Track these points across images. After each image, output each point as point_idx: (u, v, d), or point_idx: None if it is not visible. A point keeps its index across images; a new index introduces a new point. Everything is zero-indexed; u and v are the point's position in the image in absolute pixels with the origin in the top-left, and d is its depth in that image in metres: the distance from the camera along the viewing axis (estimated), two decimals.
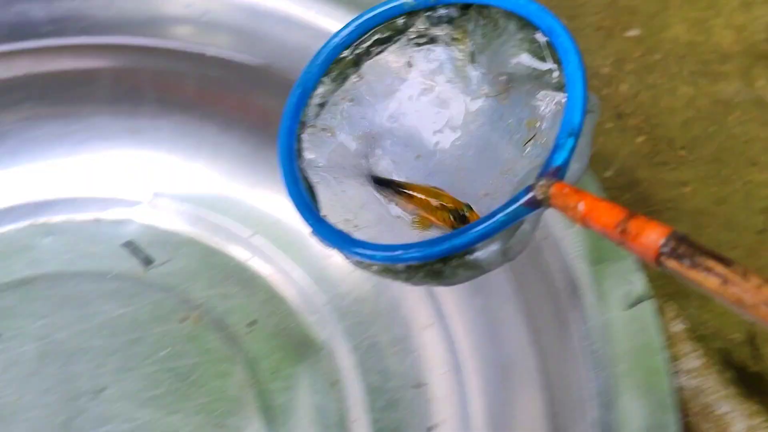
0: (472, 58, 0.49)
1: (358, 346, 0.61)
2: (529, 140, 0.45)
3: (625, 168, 0.71)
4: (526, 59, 0.47)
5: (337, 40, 0.49)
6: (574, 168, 0.40)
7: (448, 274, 0.41)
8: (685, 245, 0.33)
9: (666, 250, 0.33)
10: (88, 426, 0.56)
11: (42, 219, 0.66)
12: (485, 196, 0.46)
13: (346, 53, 0.50)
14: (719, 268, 0.32)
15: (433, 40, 0.50)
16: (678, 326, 0.58)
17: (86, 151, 0.68)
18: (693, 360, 0.57)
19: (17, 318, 0.61)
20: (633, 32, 0.92)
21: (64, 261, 0.64)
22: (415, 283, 0.42)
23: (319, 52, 0.49)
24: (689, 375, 0.56)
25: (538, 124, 0.45)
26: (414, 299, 0.63)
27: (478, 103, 0.49)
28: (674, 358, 0.57)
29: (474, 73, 0.49)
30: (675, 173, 0.70)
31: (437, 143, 0.50)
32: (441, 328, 0.61)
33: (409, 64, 0.51)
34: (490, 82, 0.49)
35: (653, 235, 0.34)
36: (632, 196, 0.69)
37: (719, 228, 0.66)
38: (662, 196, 0.68)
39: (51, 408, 0.57)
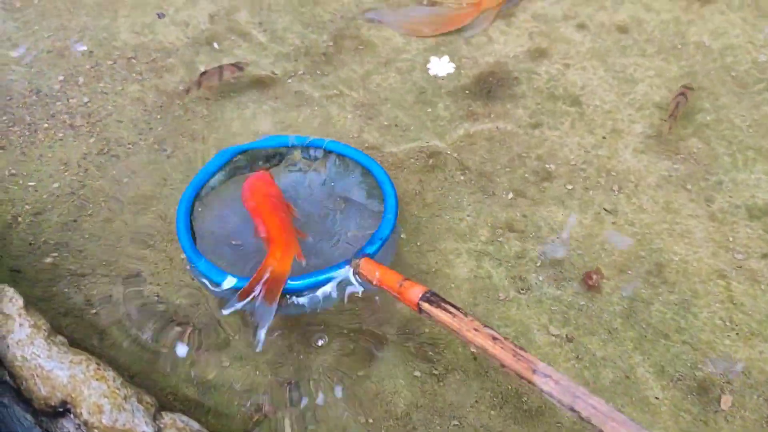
0: (324, 183, 0.78)
1: None
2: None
3: None
4: (360, 193, 0.74)
5: (235, 149, 0.79)
6: (378, 256, 0.71)
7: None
8: (434, 296, 0.65)
9: (423, 299, 0.63)
10: None
11: None
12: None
13: (240, 158, 0.77)
14: (452, 309, 0.63)
15: (300, 168, 0.77)
16: None
17: None
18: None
19: None
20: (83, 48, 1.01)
21: None
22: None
23: (222, 152, 0.78)
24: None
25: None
26: None
27: (323, 212, 0.79)
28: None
29: (321, 193, 0.79)
30: None
31: None
32: None
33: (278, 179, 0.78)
34: (333, 200, 0.78)
35: (416, 290, 0.64)
36: None
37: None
38: None
39: None
